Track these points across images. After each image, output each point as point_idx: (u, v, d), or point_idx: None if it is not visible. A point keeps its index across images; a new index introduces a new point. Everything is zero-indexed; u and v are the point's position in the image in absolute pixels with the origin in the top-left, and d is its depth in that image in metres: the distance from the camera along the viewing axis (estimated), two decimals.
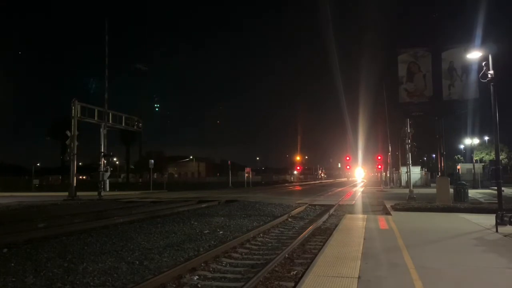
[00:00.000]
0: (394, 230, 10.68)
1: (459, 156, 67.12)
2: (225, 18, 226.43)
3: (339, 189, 40.68)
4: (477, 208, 15.19)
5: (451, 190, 18.47)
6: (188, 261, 7.31)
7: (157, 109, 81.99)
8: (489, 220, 11.30)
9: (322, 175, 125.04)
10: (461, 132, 51.40)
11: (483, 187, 35.90)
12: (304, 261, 7.78)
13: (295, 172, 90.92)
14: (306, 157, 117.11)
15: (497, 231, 10.01)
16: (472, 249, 8.13)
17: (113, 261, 7.66)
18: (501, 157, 47.47)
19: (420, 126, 29.51)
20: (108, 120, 33.70)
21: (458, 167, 42.51)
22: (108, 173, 31.35)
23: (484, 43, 13.23)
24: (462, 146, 59.38)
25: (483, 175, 39.94)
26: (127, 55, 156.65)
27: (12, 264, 7.32)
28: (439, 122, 18.66)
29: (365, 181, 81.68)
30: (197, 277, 6.72)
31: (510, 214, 10.16)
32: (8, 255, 8.05)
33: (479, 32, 15.35)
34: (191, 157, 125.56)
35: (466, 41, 16.75)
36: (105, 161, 31.15)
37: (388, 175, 49.68)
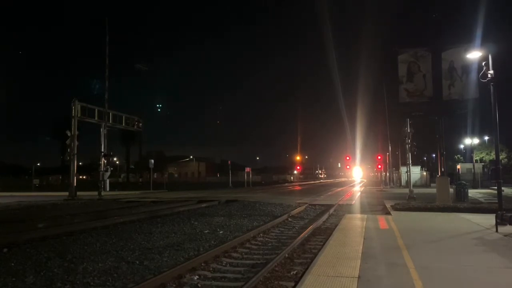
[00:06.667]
0: (394, 230, 10.68)
1: (459, 156, 67.04)
2: (225, 18, 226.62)
3: (339, 189, 40.69)
4: (477, 208, 15.19)
5: (451, 190, 18.49)
6: (188, 261, 7.31)
7: (159, 109, 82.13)
8: (489, 220, 11.30)
9: (322, 175, 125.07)
10: (461, 132, 51.47)
11: (483, 187, 35.90)
12: (304, 260, 7.78)
13: (295, 172, 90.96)
14: (306, 157, 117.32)
15: (497, 231, 10.02)
16: (472, 249, 8.13)
17: (113, 261, 7.66)
18: (501, 157, 47.44)
19: (420, 126, 29.53)
20: (108, 120, 33.71)
21: (458, 167, 42.47)
22: (108, 173, 31.39)
23: (484, 43, 13.26)
24: (462, 146, 59.37)
25: (483, 175, 39.94)
26: (128, 55, 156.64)
27: (12, 264, 7.32)
28: (439, 122, 18.66)
29: (365, 181, 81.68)
30: (197, 277, 6.72)
31: (510, 214, 10.16)
32: (8, 255, 8.06)
33: (479, 32, 15.39)
34: (191, 157, 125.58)
35: (466, 41, 16.78)
36: (105, 161, 31.17)
37: (388, 174, 49.68)
